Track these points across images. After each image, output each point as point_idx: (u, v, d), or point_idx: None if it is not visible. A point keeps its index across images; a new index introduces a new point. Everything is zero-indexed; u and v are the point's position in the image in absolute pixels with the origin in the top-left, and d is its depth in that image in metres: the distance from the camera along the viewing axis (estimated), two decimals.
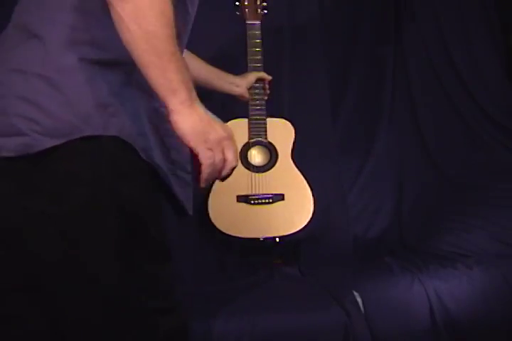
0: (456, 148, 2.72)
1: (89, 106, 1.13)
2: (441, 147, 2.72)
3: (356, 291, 1.99)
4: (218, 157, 1.13)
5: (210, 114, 1.15)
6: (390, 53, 2.76)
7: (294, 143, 2.24)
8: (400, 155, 2.74)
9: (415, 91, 2.76)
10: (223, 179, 1.17)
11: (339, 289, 2.00)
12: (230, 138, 1.15)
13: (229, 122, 2.12)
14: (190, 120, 1.10)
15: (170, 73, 1.08)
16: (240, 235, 2.15)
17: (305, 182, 2.22)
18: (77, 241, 1.14)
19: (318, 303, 1.93)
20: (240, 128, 2.17)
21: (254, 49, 2.12)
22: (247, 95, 2.07)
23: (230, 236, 2.14)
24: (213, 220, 2.14)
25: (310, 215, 2.19)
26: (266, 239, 2.17)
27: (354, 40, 2.73)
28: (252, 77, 2.05)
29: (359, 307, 1.94)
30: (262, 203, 2.17)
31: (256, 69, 2.11)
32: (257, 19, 2.13)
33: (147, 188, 1.20)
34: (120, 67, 1.16)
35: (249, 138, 2.20)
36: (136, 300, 1.19)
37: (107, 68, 1.15)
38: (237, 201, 2.15)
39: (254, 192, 2.16)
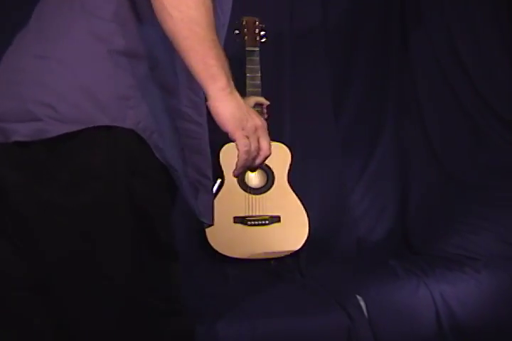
0: (462, 147, 2.71)
1: (109, 96, 1.14)
2: (448, 146, 2.71)
3: (359, 295, 1.96)
4: (254, 145, 1.14)
5: (247, 104, 1.18)
6: (394, 52, 2.75)
7: (290, 167, 2.30)
8: (405, 155, 2.75)
9: (421, 90, 2.76)
10: (255, 169, 1.18)
11: (342, 293, 1.98)
12: (265, 128, 1.17)
13: (226, 145, 2.18)
14: (229, 107, 1.12)
15: (210, 59, 1.10)
16: (236, 256, 2.18)
17: (300, 204, 2.27)
18: (91, 236, 1.14)
19: (320, 307, 1.90)
20: (236, 151, 2.14)
21: (253, 74, 2.18)
22: None
23: (226, 256, 2.17)
24: (210, 240, 2.17)
25: (305, 238, 2.24)
26: (261, 261, 2.20)
27: (357, 39, 2.73)
28: (250, 101, 2.07)
29: (362, 312, 1.91)
30: (258, 224, 2.21)
31: (254, 93, 2.16)
32: (256, 46, 2.20)
33: (159, 187, 1.20)
34: (145, 61, 1.17)
35: None
36: (147, 301, 1.19)
37: (133, 61, 1.16)
38: (234, 222, 2.19)
39: (250, 214, 2.21)
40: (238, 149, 1.13)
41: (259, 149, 1.16)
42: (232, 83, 1.14)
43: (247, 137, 1.14)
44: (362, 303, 1.94)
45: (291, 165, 2.31)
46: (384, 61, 2.75)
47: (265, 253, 2.23)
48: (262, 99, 2.12)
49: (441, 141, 2.73)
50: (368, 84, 2.75)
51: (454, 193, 2.59)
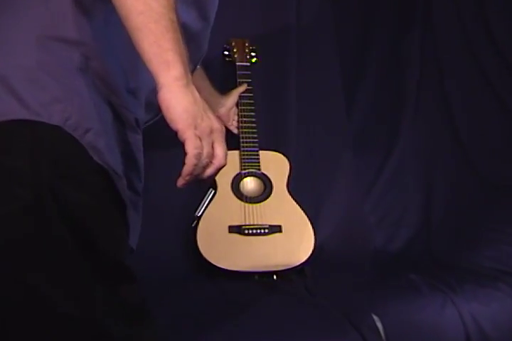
0: (495, 143, 2.61)
1: (31, 86, 1.07)
2: (479, 143, 2.61)
3: (376, 315, 1.84)
4: (207, 149, 1.08)
5: (204, 102, 1.12)
6: (416, 33, 2.67)
7: (289, 176, 2.29)
8: (428, 153, 2.66)
9: (447, 76, 2.66)
10: (204, 181, 1.11)
11: (355, 312, 1.86)
12: (223, 131, 1.12)
13: None
14: (183, 100, 1.06)
15: (166, 42, 1.05)
16: (232, 268, 2.11)
17: (303, 214, 2.23)
18: (16, 253, 1.03)
19: (330, 329, 1.79)
20: (230, 160, 2.22)
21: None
22: (226, 119, 2.19)
23: (221, 268, 2.11)
24: (202, 251, 2.11)
25: (311, 249, 2.18)
26: (261, 276, 2.14)
27: (371, 19, 2.68)
28: (228, 101, 2.16)
29: (379, 334, 1.80)
30: (256, 234, 2.16)
31: (247, 106, 2.25)
32: (247, 62, 2.31)
33: (99, 195, 1.11)
34: (79, 48, 1.12)
35: (241, 169, 2.24)
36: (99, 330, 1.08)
37: (65, 47, 1.11)
38: (230, 232, 2.14)
39: (247, 223, 2.18)
40: (186, 151, 1.06)
41: (212, 156, 1.10)
42: (189, 76, 1.09)
43: (200, 139, 1.07)
44: (379, 324, 1.83)
45: (290, 174, 2.30)
46: (402, 48, 2.68)
47: (265, 265, 2.15)
48: (240, 89, 2.19)
49: (471, 136, 2.63)
50: (384, 71, 2.69)
51: (487, 197, 2.51)
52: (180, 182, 1.08)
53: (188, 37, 1.19)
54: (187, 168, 1.06)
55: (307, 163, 2.46)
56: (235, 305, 1.95)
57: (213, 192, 2.17)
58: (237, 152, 2.24)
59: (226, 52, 2.33)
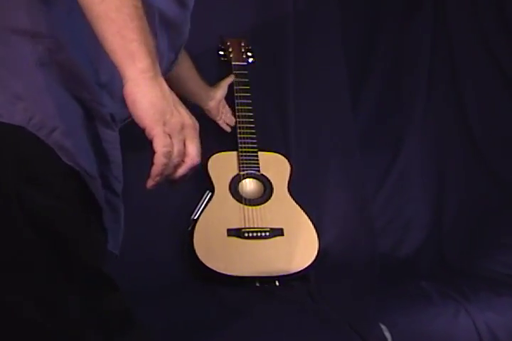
0: (510, 143, 2.55)
1: None
2: (492, 142, 2.56)
3: (384, 324, 1.82)
4: (178, 147, 1.02)
5: (175, 95, 1.08)
6: (427, 23, 2.62)
7: (290, 178, 2.27)
8: (439, 152, 2.61)
9: (460, 73, 2.60)
10: (176, 182, 1.06)
11: (362, 321, 1.83)
12: (196, 128, 1.07)
13: (215, 155, 2.21)
14: (150, 94, 1.02)
15: (129, 32, 1.01)
16: (231, 273, 2.08)
17: (306, 217, 2.21)
18: None
19: (335, 339, 1.77)
20: (228, 161, 2.23)
21: (241, 87, 2.26)
22: (215, 112, 2.19)
23: (220, 274, 2.07)
24: (200, 255, 2.08)
25: (315, 254, 2.15)
26: (263, 282, 2.11)
27: (378, 12, 2.62)
28: (217, 94, 2.15)
29: None
30: (257, 237, 2.13)
31: (244, 106, 2.24)
32: (243, 61, 2.30)
33: (67, 196, 1.07)
34: (41, 41, 1.08)
35: (240, 171, 2.22)
36: None
37: (24, 39, 1.07)
38: (228, 235, 2.11)
39: (247, 225, 2.15)
40: (155, 150, 1.00)
41: (184, 155, 1.04)
42: (158, 67, 1.04)
43: (169, 136, 1.02)
44: (387, 334, 1.80)
45: (291, 175, 2.28)
46: (412, 42, 2.62)
47: (267, 270, 2.12)
48: (228, 80, 2.19)
49: (485, 134, 2.58)
50: (393, 67, 2.63)
51: (501, 198, 2.47)
52: (149, 183, 1.02)
53: (165, 24, 1.18)
54: (156, 168, 1.01)
55: (309, 164, 2.41)
56: (234, 313, 1.93)
57: (210, 194, 2.15)
58: (235, 153, 2.22)
59: (221, 52, 2.32)
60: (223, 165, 2.16)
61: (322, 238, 2.20)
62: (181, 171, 1.04)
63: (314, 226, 2.20)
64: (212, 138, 2.24)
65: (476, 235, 2.42)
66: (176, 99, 1.06)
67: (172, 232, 2.13)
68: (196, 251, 2.08)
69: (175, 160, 1.02)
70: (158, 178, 1.02)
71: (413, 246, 2.47)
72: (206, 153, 2.16)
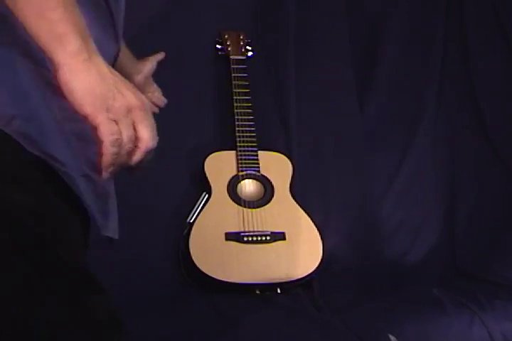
0: None
1: None
2: (509, 141, 2.49)
3: (393, 335, 1.80)
4: (127, 132, 0.96)
5: (118, 74, 1.00)
6: (440, 11, 2.56)
7: (292, 178, 2.24)
8: (451, 152, 2.57)
9: (475, 62, 2.55)
10: (134, 169, 1.01)
11: (370, 332, 1.82)
12: (144, 108, 0.99)
13: (212, 154, 2.18)
14: (86, 79, 0.95)
15: (51, 12, 0.93)
16: (230, 280, 2.04)
17: (310, 220, 2.18)
18: None
19: None
20: (226, 160, 2.21)
21: (240, 82, 2.24)
22: (141, 89, 2.08)
23: (217, 280, 2.04)
24: (196, 261, 2.04)
25: (319, 260, 2.12)
26: (263, 289, 2.08)
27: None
28: (145, 67, 1.95)
29: None
30: (257, 241, 2.10)
31: (243, 103, 2.22)
32: (242, 55, 2.28)
33: (35, 188, 1.02)
34: None
35: (239, 171, 2.18)
36: None
37: None
38: (226, 239, 2.08)
39: (247, 229, 2.12)
40: (101, 139, 0.95)
41: (137, 139, 0.98)
42: (91, 46, 0.96)
43: (116, 122, 0.96)
44: None
45: (293, 176, 2.25)
46: (425, 26, 2.55)
47: (267, 277, 2.08)
48: (159, 56, 2.06)
49: (500, 133, 2.52)
50: (402, 58, 2.55)
51: None
52: (102, 175, 0.98)
53: None
54: (106, 159, 0.96)
55: (313, 165, 2.38)
56: (232, 323, 1.91)
57: (207, 196, 2.10)
58: (233, 152, 2.18)
59: (219, 46, 2.30)
60: (221, 165, 2.11)
61: (326, 242, 2.16)
62: (136, 158, 0.99)
63: (318, 230, 2.17)
64: (209, 137, 2.22)
65: (491, 239, 2.39)
66: (119, 79, 1.00)
67: (167, 236, 2.09)
68: (192, 256, 2.04)
69: (126, 146, 0.97)
70: (111, 169, 0.98)
71: (424, 250, 2.43)
72: (202, 152, 2.17)
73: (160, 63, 1.69)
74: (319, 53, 2.45)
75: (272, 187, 2.21)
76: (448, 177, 2.56)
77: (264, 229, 2.12)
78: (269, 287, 2.07)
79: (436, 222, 2.49)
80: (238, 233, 2.10)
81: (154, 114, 1.04)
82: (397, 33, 2.56)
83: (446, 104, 2.62)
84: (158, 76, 1.66)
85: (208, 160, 2.18)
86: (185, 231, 2.07)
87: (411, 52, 2.58)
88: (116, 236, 1.12)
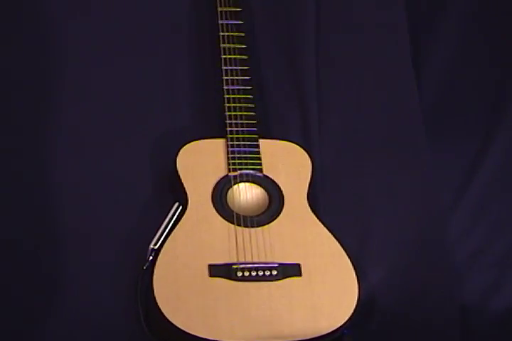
0: None
1: None
2: None
3: None
4: None
5: None
6: None
7: (311, 182, 1.80)
8: None
9: None
10: None
11: None
12: None
13: (187, 145, 1.79)
14: None
15: None
16: (216, 338, 1.60)
17: (338, 245, 1.74)
18: None
19: None
20: (210, 154, 1.83)
21: (231, 33, 1.93)
22: None
23: (197, 338, 1.59)
24: (164, 310, 1.60)
25: (353, 307, 1.66)
26: None
27: None
28: None
29: None
30: (258, 278, 1.66)
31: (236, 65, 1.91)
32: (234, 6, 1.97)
33: None
34: None
35: (229, 170, 1.76)
36: None
37: None
38: (211, 275, 1.65)
39: (241, 260, 1.68)
40: None
41: None
42: None
43: None
44: None
45: (312, 179, 1.79)
46: None
47: (273, 333, 1.62)
48: None
49: None
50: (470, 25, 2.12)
51: None
52: None
53: None
54: None
55: (344, 162, 1.92)
56: None
57: (181, 208, 1.67)
58: (221, 141, 1.76)
59: None
60: (202, 162, 1.70)
61: (364, 279, 1.68)
62: None
63: (351, 261, 1.68)
64: (185, 118, 1.84)
65: None
66: None
67: (117, 272, 1.66)
68: (158, 303, 1.57)
69: None
70: None
71: None
72: (174, 141, 1.78)
73: None
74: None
75: (281, 194, 1.75)
76: None
77: (269, 260, 1.67)
78: None
79: None
80: (228, 265, 1.64)
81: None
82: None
83: None
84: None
85: (182, 153, 1.74)
86: (147, 264, 1.61)
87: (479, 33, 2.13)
88: None
